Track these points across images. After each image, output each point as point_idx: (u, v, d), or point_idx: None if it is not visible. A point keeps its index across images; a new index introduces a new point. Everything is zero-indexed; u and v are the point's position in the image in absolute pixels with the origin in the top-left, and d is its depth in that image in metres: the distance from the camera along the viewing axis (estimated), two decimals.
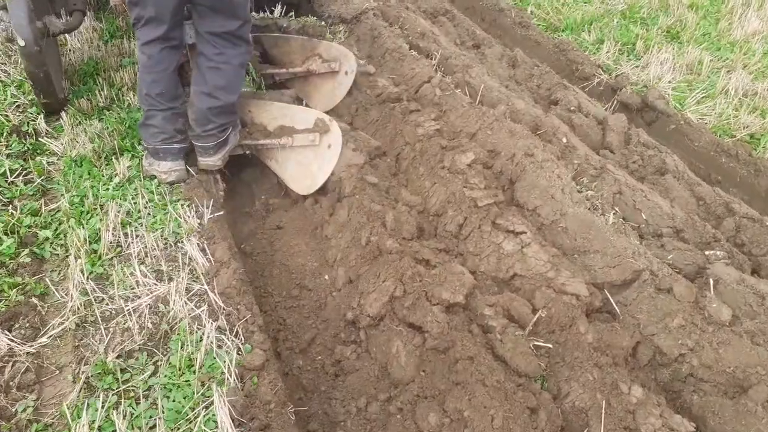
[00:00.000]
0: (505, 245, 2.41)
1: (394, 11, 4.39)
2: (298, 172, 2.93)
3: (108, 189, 2.79)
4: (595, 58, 4.48)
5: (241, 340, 2.16)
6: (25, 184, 2.83)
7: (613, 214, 2.58)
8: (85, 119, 3.27)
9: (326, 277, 2.62)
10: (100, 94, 3.42)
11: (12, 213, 2.59)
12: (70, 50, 3.86)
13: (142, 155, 2.90)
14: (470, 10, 5.45)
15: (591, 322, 2.16)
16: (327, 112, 3.18)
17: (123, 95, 3.46)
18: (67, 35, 3.92)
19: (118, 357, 2.08)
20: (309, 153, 2.87)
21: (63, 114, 3.25)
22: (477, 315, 2.17)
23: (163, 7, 2.43)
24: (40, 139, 3.14)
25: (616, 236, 2.42)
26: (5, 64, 3.71)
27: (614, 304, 2.25)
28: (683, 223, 2.56)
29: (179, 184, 2.80)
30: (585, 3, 5.45)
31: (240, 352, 2.11)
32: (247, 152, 3.05)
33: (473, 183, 2.72)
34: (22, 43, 2.78)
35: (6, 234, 2.50)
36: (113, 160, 2.95)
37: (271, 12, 4.25)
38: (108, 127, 3.19)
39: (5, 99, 3.34)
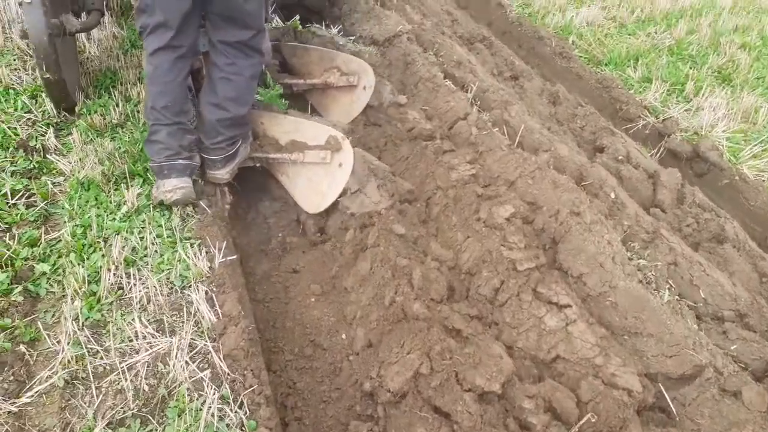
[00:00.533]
0: (548, 320, 2.15)
1: (429, 35, 4.16)
2: (308, 190, 2.82)
3: (114, 219, 2.58)
4: (641, 98, 4.20)
5: (246, 412, 1.92)
6: (27, 208, 2.61)
7: (668, 289, 2.31)
8: (97, 137, 3.07)
9: (343, 336, 2.37)
10: (115, 110, 3.21)
11: (9, 243, 2.38)
12: (87, 59, 3.67)
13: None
14: (507, 35, 5.20)
15: (644, 424, 1.89)
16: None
17: (139, 112, 3.25)
18: (86, 42, 3.74)
19: (108, 425, 1.85)
20: (320, 170, 2.75)
21: (74, 130, 3.05)
22: (514, 407, 1.91)
23: (172, 13, 2.33)
24: (48, 156, 2.93)
25: (672, 319, 2.14)
26: (19, 69, 3.53)
27: (670, 402, 1.98)
28: (747, 307, 2.29)
29: (192, 224, 2.58)
30: (629, 35, 5.17)
31: (243, 428, 1.88)
32: (258, 165, 2.94)
33: (512, 242, 2.47)
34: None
35: (0, 267, 2.29)
36: (123, 185, 2.74)
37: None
38: (120, 147, 2.98)
39: (15, 109, 3.15)
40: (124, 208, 2.62)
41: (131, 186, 2.75)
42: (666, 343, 2.07)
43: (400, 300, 2.28)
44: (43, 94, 3.23)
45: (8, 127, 2.98)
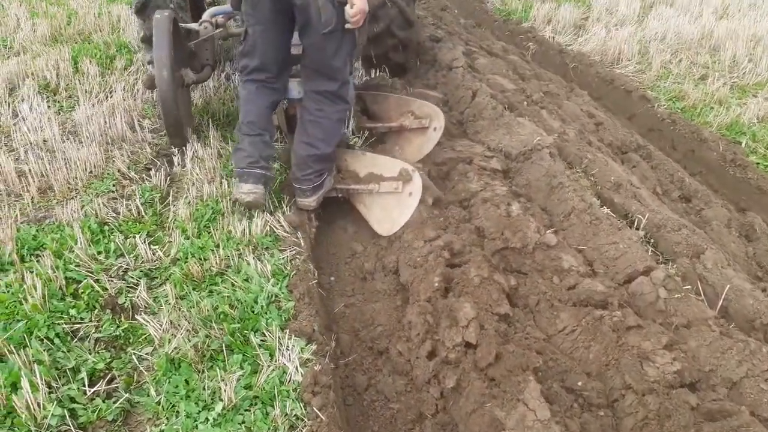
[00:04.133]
0: None
1: (574, 148, 3.47)
2: (381, 216, 3.17)
3: (207, 421, 2.03)
4: None
5: None
6: (107, 399, 2.12)
7: None
8: (194, 289, 2.60)
9: None
10: (215, 254, 2.75)
11: None
12: (192, 183, 3.30)
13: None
14: (656, 134, 4.42)
15: None
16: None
17: (245, 255, 2.77)
18: (187, 164, 3.40)
19: None
20: (392, 199, 3.13)
21: (167, 284, 2.60)
22: None
23: (269, 60, 2.93)
24: (137, 316, 2.48)
25: None
26: (117, 198, 3.20)
27: None
28: None
29: None
30: None
31: None
32: (340, 195, 3.30)
33: None
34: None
35: None
36: (218, 365, 2.22)
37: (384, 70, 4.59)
38: (218, 308, 2.49)
39: (107, 255, 2.76)
40: (219, 406, 2.07)
41: (229, 367, 2.22)
42: None
43: None
44: (137, 236, 2.85)
45: (96, 281, 2.58)
